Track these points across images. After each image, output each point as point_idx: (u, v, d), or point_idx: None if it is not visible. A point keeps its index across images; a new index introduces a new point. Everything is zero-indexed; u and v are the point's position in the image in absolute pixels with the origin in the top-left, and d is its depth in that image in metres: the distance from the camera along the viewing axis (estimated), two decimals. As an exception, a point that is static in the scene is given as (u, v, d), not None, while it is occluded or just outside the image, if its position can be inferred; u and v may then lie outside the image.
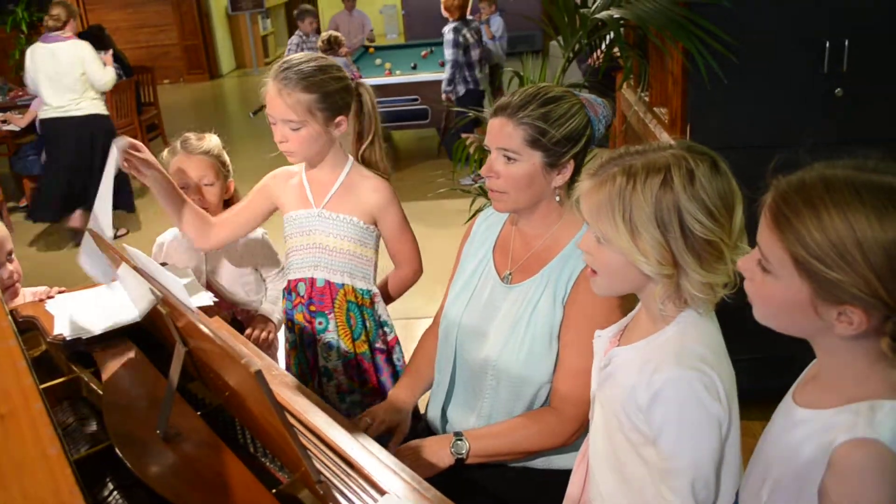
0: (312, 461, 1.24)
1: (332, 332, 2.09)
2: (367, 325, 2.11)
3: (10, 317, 1.06)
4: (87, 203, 5.21)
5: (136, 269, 1.53)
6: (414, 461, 1.63)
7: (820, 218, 1.00)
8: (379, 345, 2.14)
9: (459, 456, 1.67)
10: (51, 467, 1.01)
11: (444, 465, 1.67)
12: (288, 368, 2.21)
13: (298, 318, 2.13)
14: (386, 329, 2.16)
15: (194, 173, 2.30)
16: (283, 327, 2.25)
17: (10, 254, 2.14)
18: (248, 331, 2.29)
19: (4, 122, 6.41)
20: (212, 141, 2.37)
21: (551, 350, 1.69)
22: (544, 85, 1.74)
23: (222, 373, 1.36)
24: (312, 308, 2.10)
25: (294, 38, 7.32)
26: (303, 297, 2.11)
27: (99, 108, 5.56)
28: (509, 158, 1.67)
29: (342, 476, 1.37)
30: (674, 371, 1.27)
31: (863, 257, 0.97)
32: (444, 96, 6.09)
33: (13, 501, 0.96)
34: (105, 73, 5.56)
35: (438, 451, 1.67)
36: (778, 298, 1.09)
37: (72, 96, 5.41)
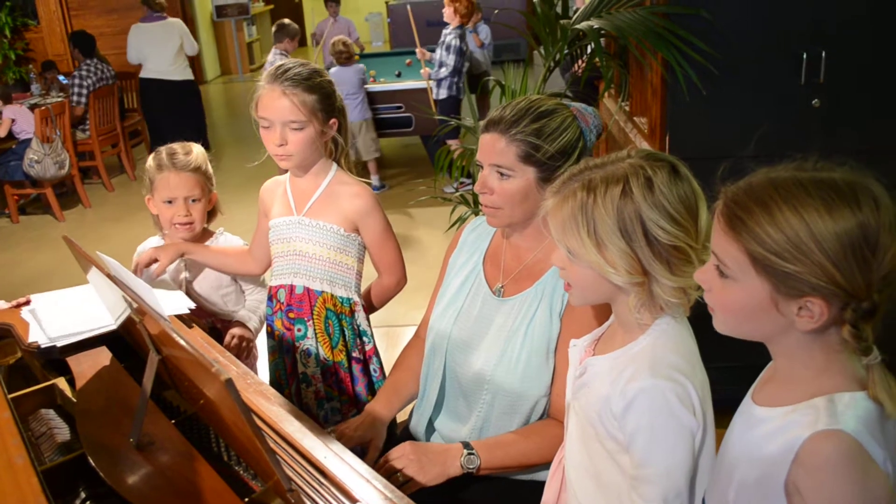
0: (284, 469, 1.23)
1: (311, 340, 2.09)
2: (346, 333, 2.11)
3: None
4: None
5: (110, 277, 1.53)
6: (417, 466, 1.61)
7: (772, 215, 1.04)
8: (356, 354, 2.13)
9: (469, 470, 1.64)
10: (17, 476, 1.01)
11: (448, 477, 1.64)
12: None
13: (277, 324, 2.14)
14: (364, 339, 2.15)
15: (182, 192, 2.28)
16: (264, 333, 2.26)
17: None
18: (226, 339, 2.28)
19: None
20: (198, 155, 2.34)
21: (548, 364, 1.68)
22: (536, 98, 1.71)
23: (195, 381, 1.35)
24: (291, 315, 2.10)
25: (274, 58, 6.22)
26: (282, 303, 2.12)
27: (188, 74, 7.27)
28: (503, 174, 1.66)
29: (315, 485, 1.36)
30: (647, 380, 1.28)
31: (818, 247, 1.01)
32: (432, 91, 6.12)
33: (-22, 511, 0.95)
34: (194, 43, 7.38)
35: (447, 463, 1.64)
36: (739, 302, 1.11)
37: (168, 63, 7.03)
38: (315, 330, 2.08)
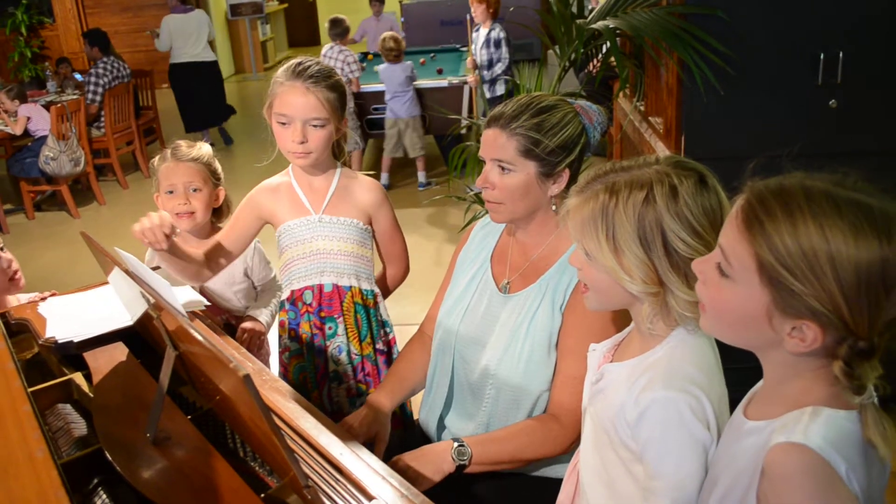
0: (301, 466, 1.24)
1: (342, 336, 2.09)
2: (372, 325, 2.13)
3: (-1, 319, 1.05)
4: (217, 119, 8.39)
5: (127, 272, 1.53)
6: (414, 471, 1.61)
7: (795, 225, 0.97)
8: (380, 346, 2.15)
9: (462, 462, 1.64)
10: (37, 469, 1.01)
11: (445, 473, 1.63)
12: (285, 378, 2.15)
13: (305, 327, 2.10)
14: (387, 329, 2.18)
15: (181, 178, 2.30)
16: (285, 337, 2.17)
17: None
18: (237, 334, 2.29)
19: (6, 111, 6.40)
20: (202, 149, 2.36)
21: (550, 358, 1.68)
22: (537, 94, 1.73)
23: (212, 377, 1.36)
24: (322, 314, 2.08)
25: (338, 55, 6.22)
26: (310, 305, 2.08)
27: (213, 56, 8.24)
28: (504, 169, 1.67)
29: (331, 481, 1.37)
30: (660, 391, 1.26)
31: (832, 272, 0.95)
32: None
33: (-1, 503, 0.96)
34: (213, 29, 8.34)
35: (439, 459, 1.64)
36: (733, 305, 1.06)
37: (201, 48, 7.99)
38: (346, 326, 2.09)
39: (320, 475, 1.38)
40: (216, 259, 2.11)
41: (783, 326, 1.01)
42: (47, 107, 6.32)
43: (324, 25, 7.71)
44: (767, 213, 1.00)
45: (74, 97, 6.79)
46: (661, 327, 1.33)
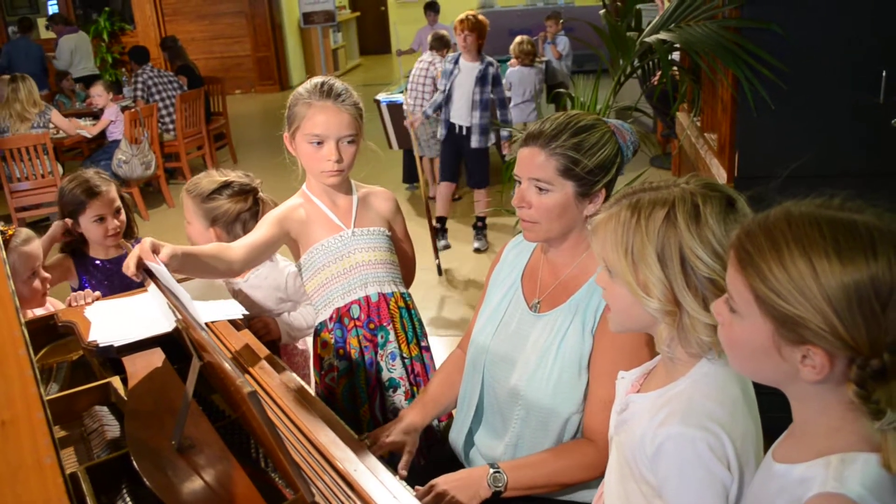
0: (307, 482, 1.25)
1: (393, 342, 2.12)
2: (415, 326, 2.17)
3: (23, 327, 1.09)
4: None
5: (157, 283, 1.57)
6: (452, 497, 1.60)
7: (780, 253, 0.98)
8: (424, 343, 2.19)
9: (497, 489, 1.63)
10: (45, 476, 1.04)
11: (481, 499, 1.62)
12: (329, 400, 2.09)
13: (353, 342, 2.09)
14: (423, 327, 2.22)
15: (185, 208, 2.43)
16: (330, 357, 2.12)
17: (33, 272, 2.30)
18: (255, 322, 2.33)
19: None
20: (200, 182, 2.41)
21: (580, 380, 1.66)
22: (575, 113, 1.72)
23: (230, 389, 1.38)
24: (372, 325, 2.10)
25: (428, 56, 6.30)
26: (358, 319, 2.09)
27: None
28: (541, 189, 1.66)
29: (342, 498, 1.37)
30: (676, 427, 1.23)
31: (821, 293, 0.95)
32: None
33: (5, 507, 1.00)
34: None
35: (476, 485, 1.63)
36: (744, 340, 1.06)
37: (92, 62, 9.57)
38: (395, 332, 2.11)
39: (332, 491, 1.39)
40: (240, 257, 1.92)
41: (793, 355, 1.00)
42: (122, 111, 6.55)
43: (394, 33, 7.82)
44: (754, 245, 1.02)
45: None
46: (681, 353, 1.30)
